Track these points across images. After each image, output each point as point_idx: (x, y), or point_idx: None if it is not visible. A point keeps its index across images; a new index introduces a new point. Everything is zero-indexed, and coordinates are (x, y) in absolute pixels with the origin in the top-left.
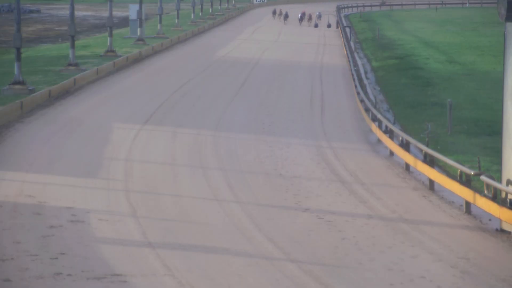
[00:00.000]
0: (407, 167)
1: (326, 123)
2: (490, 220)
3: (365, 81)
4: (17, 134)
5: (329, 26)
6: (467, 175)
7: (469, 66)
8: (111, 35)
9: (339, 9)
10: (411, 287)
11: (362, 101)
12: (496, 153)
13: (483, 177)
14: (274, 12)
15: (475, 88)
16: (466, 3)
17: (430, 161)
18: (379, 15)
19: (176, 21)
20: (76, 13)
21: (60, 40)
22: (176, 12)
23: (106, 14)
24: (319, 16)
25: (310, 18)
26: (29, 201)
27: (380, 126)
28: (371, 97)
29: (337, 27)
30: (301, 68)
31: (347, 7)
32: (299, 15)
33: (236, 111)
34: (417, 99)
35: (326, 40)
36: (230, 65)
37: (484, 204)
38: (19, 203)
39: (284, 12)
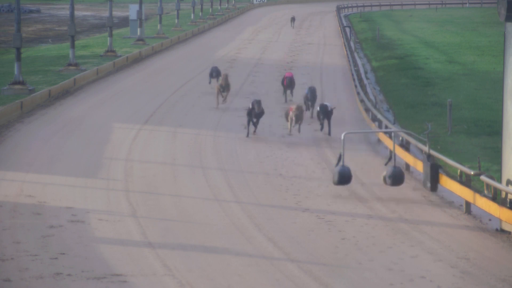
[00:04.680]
0: (407, 167)
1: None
2: (490, 220)
3: (365, 81)
4: (17, 134)
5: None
6: (467, 175)
7: (469, 66)
8: (111, 35)
9: (339, 9)
10: (411, 287)
11: (362, 101)
12: (496, 153)
13: (483, 177)
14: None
15: (475, 88)
16: (466, 3)
17: None
18: (379, 15)
19: (176, 21)
20: (76, 13)
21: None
22: (176, 12)
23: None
24: (312, 96)
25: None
26: (29, 201)
27: (380, 126)
28: (371, 97)
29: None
30: (301, 68)
31: (347, 7)
32: (248, 108)
33: (236, 111)
34: (417, 99)
35: (326, 44)
36: (230, 65)
37: (484, 204)
38: (19, 203)
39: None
